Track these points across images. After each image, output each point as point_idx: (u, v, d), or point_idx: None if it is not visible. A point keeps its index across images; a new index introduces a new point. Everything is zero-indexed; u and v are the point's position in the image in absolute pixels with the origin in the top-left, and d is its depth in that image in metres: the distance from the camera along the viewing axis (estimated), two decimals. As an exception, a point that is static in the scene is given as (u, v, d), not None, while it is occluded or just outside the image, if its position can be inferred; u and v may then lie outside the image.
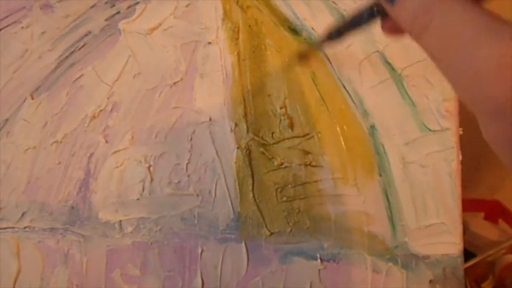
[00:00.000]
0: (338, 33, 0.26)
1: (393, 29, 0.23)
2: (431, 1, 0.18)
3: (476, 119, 0.18)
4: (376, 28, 0.39)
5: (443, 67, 0.18)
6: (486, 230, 0.76)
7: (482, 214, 0.79)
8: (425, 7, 0.18)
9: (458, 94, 0.18)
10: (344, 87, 0.39)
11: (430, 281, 0.37)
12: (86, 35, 0.40)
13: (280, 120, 0.38)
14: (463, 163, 0.38)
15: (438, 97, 0.38)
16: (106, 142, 0.39)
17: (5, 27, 0.40)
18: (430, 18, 0.18)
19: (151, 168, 0.38)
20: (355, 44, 0.39)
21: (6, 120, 0.39)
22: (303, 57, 0.38)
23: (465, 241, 0.38)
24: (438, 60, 0.18)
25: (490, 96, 0.16)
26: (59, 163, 0.39)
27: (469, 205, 0.78)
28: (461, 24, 0.17)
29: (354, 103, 0.38)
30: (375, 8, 0.23)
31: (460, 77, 0.17)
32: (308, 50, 0.38)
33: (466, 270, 0.45)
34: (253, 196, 0.38)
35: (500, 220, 0.77)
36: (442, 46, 0.18)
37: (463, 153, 0.38)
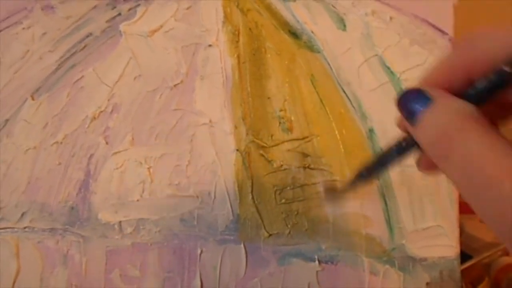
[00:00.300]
0: (369, 173, 0.26)
1: (428, 165, 0.23)
2: (453, 128, 0.18)
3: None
4: (374, 31, 0.39)
5: (467, 196, 0.18)
6: (482, 232, 0.77)
7: (478, 216, 0.79)
8: (444, 134, 0.18)
9: (485, 222, 0.18)
10: (343, 91, 0.39)
11: (427, 284, 0.37)
12: (87, 36, 0.40)
13: (280, 122, 0.39)
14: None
15: (436, 101, 0.38)
16: (106, 143, 0.39)
17: (6, 28, 0.40)
18: (451, 147, 0.18)
19: (151, 170, 0.38)
20: (355, 48, 0.39)
21: (7, 120, 0.39)
22: (332, 193, 0.37)
23: (461, 243, 0.38)
24: (460, 188, 0.18)
25: None
26: (59, 163, 0.39)
27: (465, 207, 0.78)
28: (482, 156, 0.17)
29: (353, 107, 0.39)
30: (403, 143, 0.22)
31: (484, 211, 0.17)
32: (340, 190, 0.35)
33: (462, 272, 0.46)
34: (252, 198, 0.38)
35: (496, 222, 0.78)
36: (463, 177, 0.17)
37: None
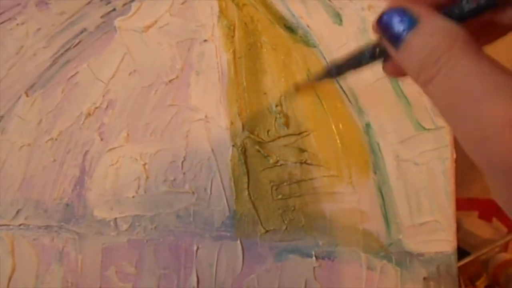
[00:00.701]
0: (337, 70, 0.25)
1: (395, 70, 0.22)
2: (439, 52, 0.17)
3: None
4: (370, 26, 0.39)
5: (448, 120, 0.18)
6: (480, 228, 0.77)
7: (476, 213, 0.79)
8: (433, 57, 0.17)
9: (464, 149, 0.18)
10: (340, 86, 0.39)
11: (424, 278, 0.37)
12: (81, 32, 0.40)
13: (276, 118, 0.38)
14: (457, 162, 0.38)
15: (432, 96, 0.38)
16: (101, 139, 0.39)
17: (0, 24, 0.40)
18: (438, 69, 0.17)
19: (147, 166, 0.38)
20: (351, 42, 0.39)
21: (1, 117, 0.39)
22: (299, 89, 0.37)
23: (459, 240, 0.38)
24: (443, 112, 0.18)
25: (497, 156, 0.16)
26: (54, 160, 0.39)
27: (463, 204, 0.79)
28: (468, 79, 0.16)
29: (350, 102, 0.39)
30: (377, 49, 0.21)
31: (465, 134, 0.17)
32: (306, 83, 0.37)
33: (460, 268, 0.46)
34: (249, 194, 0.38)
35: (494, 219, 0.78)
36: (448, 99, 0.17)
37: (458, 152, 0.38)
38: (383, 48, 0.20)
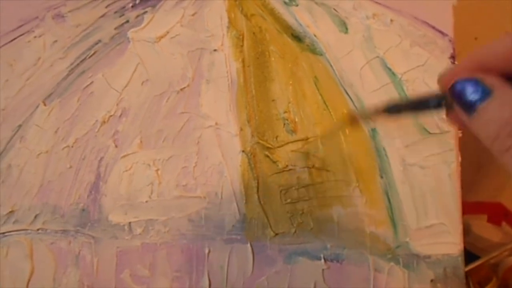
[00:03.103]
0: (397, 110, 0.25)
1: (458, 122, 0.22)
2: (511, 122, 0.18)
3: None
4: (375, 33, 0.40)
5: None
6: (489, 232, 0.77)
7: (485, 217, 0.79)
8: (507, 128, 0.18)
9: None
10: (346, 92, 0.40)
11: (432, 281, 0.38)
12: (96, 43, 0.41)
13: (284, 124, 0.39)
14: (464, 166, 0.39)
15: (437, 101, 0.39)
16: (116, 146, 0.40)
17: (18, 36, 0.42)
18: None
19: (159, 171, 0.39)
20: (356, 50, 0.40)
21: (20, 126, 0.41)
22: (354, 120, 0.36)
23: (468, 244, 0.38)
24: None
25: None
26: (70, 167, 0.40)
27: (472, 208, 0.78)
28: None
29: (356, 107, 0.40)
30: (443, 102, 0.21)
31: None
32: (360, 116, 0.36)
33: (469, 272, 0.46)
34: (258, 198, 0.39)
35: (503, 223, 0.78)
36: None
37: (464, 156, 0.38)
38: (450, 103, 0.21)
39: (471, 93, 0.19)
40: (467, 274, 0.38)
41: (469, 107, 0.19)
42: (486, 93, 0.19)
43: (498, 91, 0.18)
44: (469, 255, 0.38)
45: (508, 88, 0.19)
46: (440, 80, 0.21)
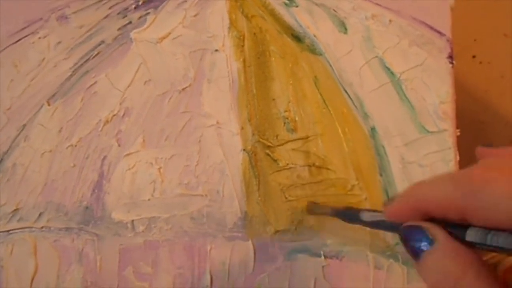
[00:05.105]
0: (351, 219, 0.27)
1: None
2: (453, 278, 0.18)
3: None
4: (374, 34, 0.41)
5: None
6: (489, 232, 0.77)
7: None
8: (448, 282, 0.18)
9: None
10: (346, 91, 0.40)
11: (430, 277, 0.38)
12: (99, 44, 0.42)
13: (284, 123, 0.40)
14: (462, 164, 0.39)
15: (435, 100, 0.39)
16: (119, 145, 0.41)
17: (23, 38, 0.42)
18: None
19: (162, 170, 0.40)
20: (356, 50, 0.41)
21: (24, 125, 0.41)
22: (312, 212, 0.38)
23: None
24: None
25: None
26: (74, 165, 0.41)
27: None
28: None
29: (355, 106, 0.40)
30: (400, 237, 0.22)
31: None
32: (319, 211, 0.38)
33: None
34: (259, 196, 0.39)
35: (503, 222, 0.78)
36: None
37: (462, 154, 0.39)
38: (395, 230, 0.22)
39: (416, 240, 0.20)
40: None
41: (415, 253, 0.20)
42: (430, 242, 0.19)
43: (441, 242, 0.19)
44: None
45: (451, 240, 0.19)
46: (385, 207, 0.22)
